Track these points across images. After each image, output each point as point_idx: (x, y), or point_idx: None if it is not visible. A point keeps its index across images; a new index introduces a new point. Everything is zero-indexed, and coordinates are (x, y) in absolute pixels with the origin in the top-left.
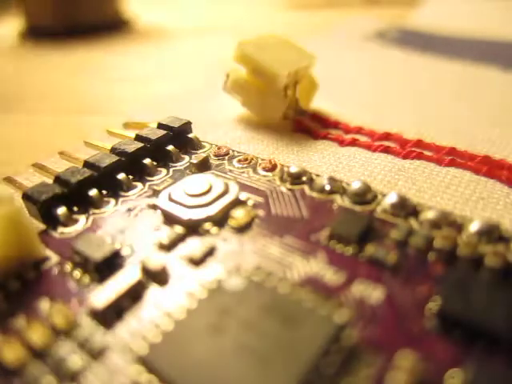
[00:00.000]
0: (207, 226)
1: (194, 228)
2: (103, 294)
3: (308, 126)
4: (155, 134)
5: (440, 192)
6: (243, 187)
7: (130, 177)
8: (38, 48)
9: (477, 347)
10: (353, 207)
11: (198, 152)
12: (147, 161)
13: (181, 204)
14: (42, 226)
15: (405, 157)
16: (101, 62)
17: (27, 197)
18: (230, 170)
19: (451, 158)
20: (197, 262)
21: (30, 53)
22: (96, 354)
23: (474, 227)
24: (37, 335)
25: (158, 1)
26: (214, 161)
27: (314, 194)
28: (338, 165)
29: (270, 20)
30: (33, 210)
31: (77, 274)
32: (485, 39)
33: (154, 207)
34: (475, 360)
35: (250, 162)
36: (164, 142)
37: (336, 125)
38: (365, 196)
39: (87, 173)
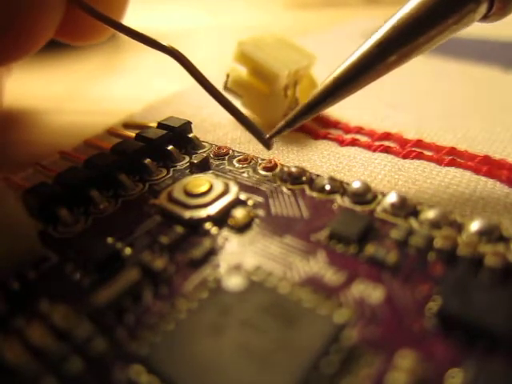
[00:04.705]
0: (207, 225)
1: (194, 228)
2: (103, 294)
3: (308, 125)
4: (155, 134)
5: (440, 192)
6: (243, 187)
7: (131, 177)
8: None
9: (477, 347)
10: (353, 207)
11: (198, 152)
12: (147, 161)
13: (181, 204)
14: (41, 226)
15: (405, 157)
16: (101, 62)
17: (27, 196)
18: (230, 170)
19: (451, 157)
20: (197, 262)
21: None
22: (97, 354)
23: (474, 227)
24: (37, 335)
25: (157, 1)
26: (213, 161)
27: (314, 194)
28: (338, 165)
29: (270, 20)
30: (32, 210)
31: (77, 274)
32: (485, 39)
33: (154, 207)
34: (475, 360)
35: (250, 162)
36: (164, 142)
37: (336, 125)
38: (365, 196)
39: (87, 173)
